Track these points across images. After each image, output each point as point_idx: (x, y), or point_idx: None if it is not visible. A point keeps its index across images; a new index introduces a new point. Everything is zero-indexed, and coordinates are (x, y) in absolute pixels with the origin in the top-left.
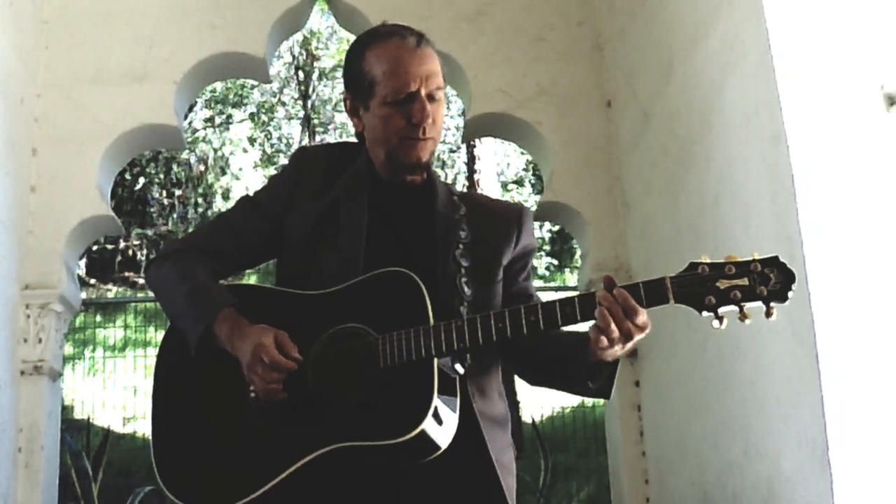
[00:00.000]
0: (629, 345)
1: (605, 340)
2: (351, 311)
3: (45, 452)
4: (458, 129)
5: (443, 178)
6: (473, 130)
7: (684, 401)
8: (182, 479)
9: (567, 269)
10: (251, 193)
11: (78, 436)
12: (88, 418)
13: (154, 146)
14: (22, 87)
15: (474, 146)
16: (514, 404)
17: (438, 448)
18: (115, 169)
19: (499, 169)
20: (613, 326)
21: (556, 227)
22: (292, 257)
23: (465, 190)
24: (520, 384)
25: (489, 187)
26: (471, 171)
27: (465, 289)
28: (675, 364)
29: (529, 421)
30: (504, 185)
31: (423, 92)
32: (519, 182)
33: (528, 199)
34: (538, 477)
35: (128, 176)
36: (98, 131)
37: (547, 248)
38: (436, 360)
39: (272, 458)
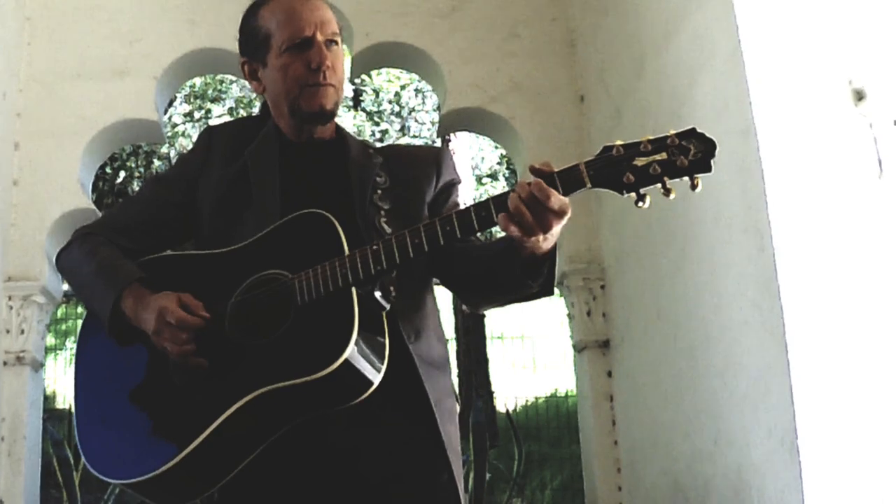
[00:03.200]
0: (553, 232)
1: (516, 229)
2: (266, 259)
3: (28, 442)
4: (433, 123)
5: None
6: (448, 125)
7: (656, 391)
8: (106, 454)
9: None
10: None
11: (59, 425)
12: (70, 408)
13: (134, 140)
14: (4, 83)
15: (449, 140)
16: (488, 395)
17: (370, 383)
18: (97, 163)
19: (473, 163)
20: (523, 209)
21: None
22: (208, 226)
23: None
24: (494, 377)
25: (464, 181)
26: None
27: (386, 228)
28: (647, 355)
29: (503, 411)
30: (478, 179)
31: (319, 37)
32: (493, 176)
33: None
34: (512, 466)
35: (108, 170)
36: (79, 126)
37: None
38: (354, 290)
39: (197, 416)
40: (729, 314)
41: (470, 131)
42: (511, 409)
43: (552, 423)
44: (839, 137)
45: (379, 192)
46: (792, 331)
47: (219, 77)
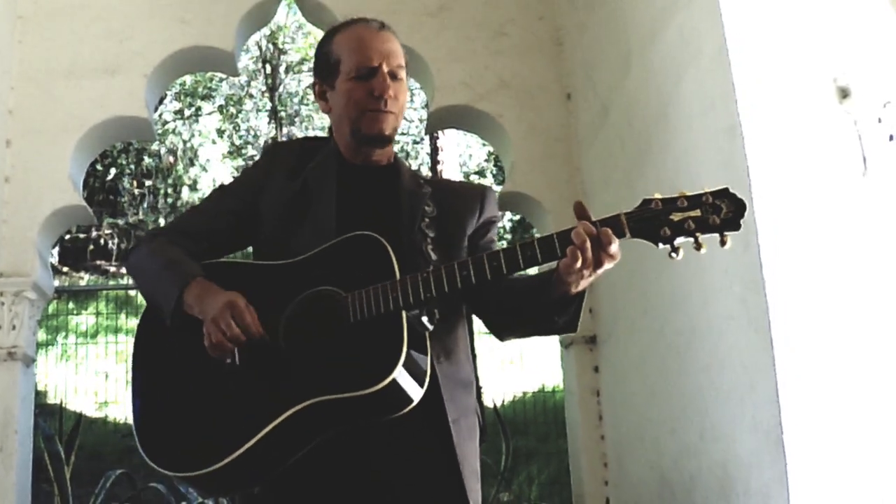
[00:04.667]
0: (598, 273)
1: (577, 264)
2: (320, 276)
3: (19, 436)
4: (421, 120)
5: None
6: (436, 122)
7: (642, 386)
8: (164, 448)
9: None
10: (225, 183)
11: (51, 420)
12: (61, 403)
13: (125, 138)
14: None
15: (437, 137)
16: (476, 390)
17: (410, 401)
18: (88, 160)
19: (461, 160)
20: (588, 245)
21: (517, 217)
22: (267, 235)
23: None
24: (482, 371)
25: (452, 178)
26: (434, 161)
27: (432, 255)
28: (634, 350)
29: (491, 406)
30: (466, 176)
31: (384, 68)
32: (481, 173)
33: None
34: (500, 460)
35: (99, 167)
36: (71, 123)
37: (508, 237)
38: (404, 312)
39: (250, 419)
40: (715, 310)
41: (458, 129)
42: (499, 404)
43: (539, 418)
44: (824, 135)
45: (427, 220)
46: (777, 326)
47: (208, 75)
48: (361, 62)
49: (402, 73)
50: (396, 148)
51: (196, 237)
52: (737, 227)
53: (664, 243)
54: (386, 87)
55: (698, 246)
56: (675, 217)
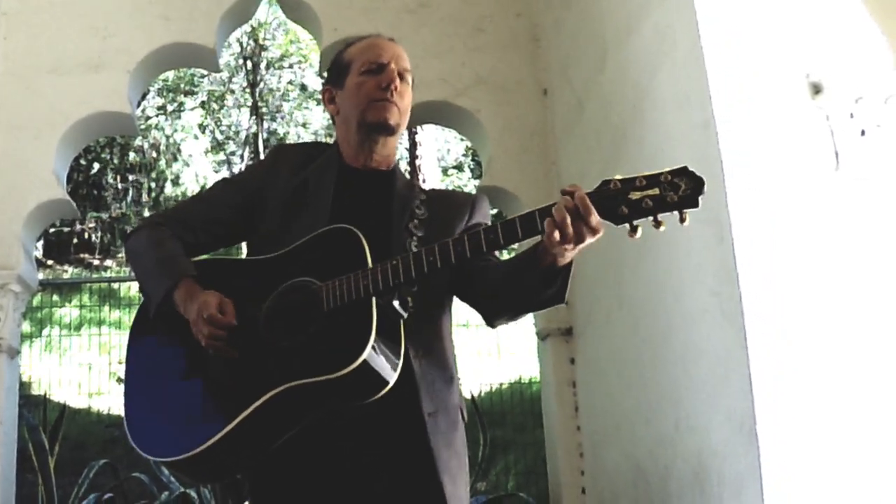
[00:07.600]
0: (580, 247)
1: (558, 235)
2: (299, 268)
3: (4, 427)
4: None
5: None
6: (415, 118)
7: (618, 377)
8: (148, 434)
9: (505, 252)
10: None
11: (35, 411)
12: (45, 394)
13: (108, 133)
14: None
15: (416, 133)
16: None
17: (384, 384)
18: (71, 154)
19: (439, 154)
20: (569, 221)
21: (495, 211)
22: (263, 230)
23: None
24: (460, 364)
25: (430, 172)
26: (412, 156)
27: (414, 250)
28: (610, 342)
29: (469, 397)
30: (444, 171)
31: (392, 65)
32: (459, 167)
33: (467, 183)
34: (477, 451)
35: (83, 161)
36: (55, 118)
37: None
38: (374, 299)
39: (229, 405)
40: (689, 303)
41: (436, 124)
42: (476, 395)
43: (516, 409)
44: (797, 130)
45: (416, 221)
46: (750, 319)
47: (190, 71)
48: (372, 58)
49: (409, 77)
50: None
51: (195, 228)
52: (695, 203)
53: (622, 222)
54: (393, 79)
55: (657, 224)
56: (634, 196)
